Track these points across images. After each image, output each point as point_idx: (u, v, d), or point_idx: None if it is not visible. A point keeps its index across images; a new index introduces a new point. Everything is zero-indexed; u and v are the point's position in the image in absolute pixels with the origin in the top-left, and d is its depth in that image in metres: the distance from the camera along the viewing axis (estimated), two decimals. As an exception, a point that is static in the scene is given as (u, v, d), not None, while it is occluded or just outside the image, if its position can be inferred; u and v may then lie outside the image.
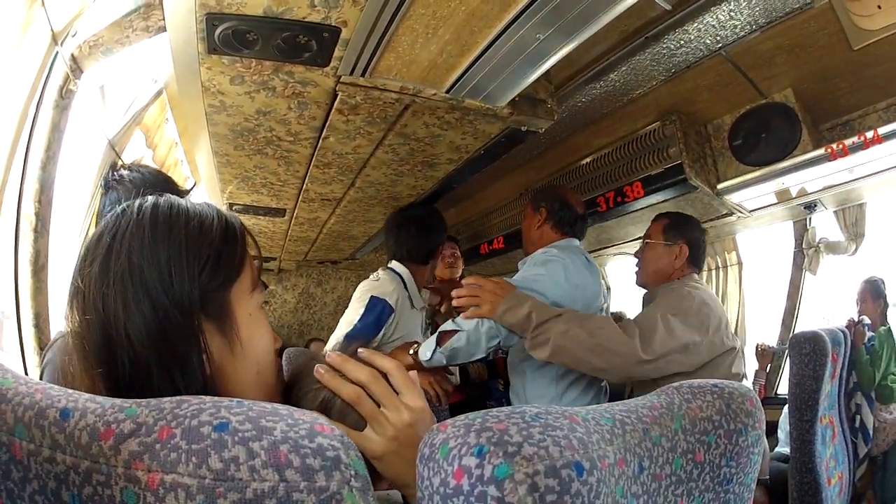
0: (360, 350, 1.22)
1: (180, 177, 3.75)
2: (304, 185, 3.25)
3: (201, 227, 1.01)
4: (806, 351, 2.70)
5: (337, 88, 2.09)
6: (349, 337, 2.98)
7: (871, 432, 3.75)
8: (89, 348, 0.95)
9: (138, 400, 0.73)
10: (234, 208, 3.70)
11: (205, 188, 3.58)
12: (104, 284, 0.94)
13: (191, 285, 0.96)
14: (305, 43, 1.82)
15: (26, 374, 2.24)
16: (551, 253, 2.80)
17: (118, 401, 0.73)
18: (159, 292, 0.94)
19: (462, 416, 0.77)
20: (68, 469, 0.68)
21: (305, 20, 1.72)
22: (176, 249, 0.97)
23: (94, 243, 0.99)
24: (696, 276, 2.94)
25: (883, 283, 4.49)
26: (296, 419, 0.70)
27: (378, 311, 3.07)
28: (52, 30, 2.30)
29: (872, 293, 4.47)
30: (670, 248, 2.87)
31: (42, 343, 2.51)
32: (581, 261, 2.81)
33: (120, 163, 2.55)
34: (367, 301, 3.07)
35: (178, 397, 0.72)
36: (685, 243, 2.86)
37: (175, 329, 0.94)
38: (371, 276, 3.27)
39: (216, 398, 0.72)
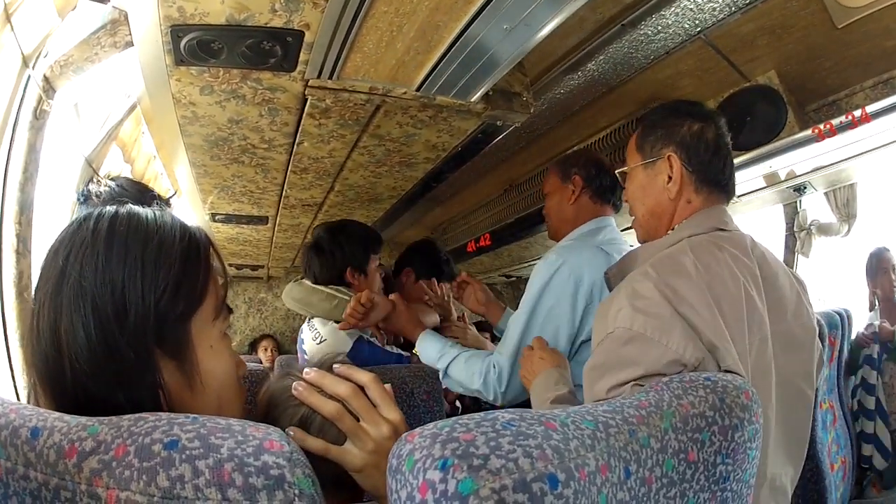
0: (335, 365, 1.22)
1: (161, 189, 3.74)
2: (284, 192, 3.25)
3: (161, 247, 0.95)
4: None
5: (306, 92, 2.07)
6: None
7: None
8: (44, 378, 0.90)
9: (101, 418, 0.72)
10: (216, 218, 3.74)
11: (186, 199, 3.57)
12: (54, 310, 0.89)
13: (146, 316, 0.90)
14: (270, 49, 1.80)
15: (17, 394, 2.24)
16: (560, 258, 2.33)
17: (83, 419, 0.73)
18: (111, 322, 0.88)
19: (431, 425, 0.76)
20: (40, 486, 0.68)
21: (268, 26, 1.71)
22: (132, 274, 0.91)
23: (48, 261, 0.93)
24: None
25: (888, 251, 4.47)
26: (246, 436, 0.69)
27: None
28: (22, 53, 2.28)
29: (886, 264, 4.44)
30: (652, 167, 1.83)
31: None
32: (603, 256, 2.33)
33: (95, 177, 2.53)
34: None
35: (137, 414, 0.72)
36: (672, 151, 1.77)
37: (129, 365, 0.89)
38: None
39: (174, 415, 0.72)
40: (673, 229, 1.75)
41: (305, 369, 1.21)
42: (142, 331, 0.90)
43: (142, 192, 1.98)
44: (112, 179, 2.03)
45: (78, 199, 1.97)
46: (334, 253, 2.89)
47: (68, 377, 0.87)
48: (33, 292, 0.95)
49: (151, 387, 0.91)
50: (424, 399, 2.48)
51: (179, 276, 0.95)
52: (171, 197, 2.20)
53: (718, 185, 1.76)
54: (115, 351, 0.88)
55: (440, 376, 2.39)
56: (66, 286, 0.89)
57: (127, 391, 0.88)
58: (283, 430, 0.78)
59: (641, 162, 1.84)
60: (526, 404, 2.09)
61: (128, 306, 0.89)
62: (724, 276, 1.51)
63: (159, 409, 0.90)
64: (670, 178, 1.75)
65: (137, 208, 1.00)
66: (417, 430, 0.75)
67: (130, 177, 3.59)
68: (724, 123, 1.80)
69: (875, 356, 3.62)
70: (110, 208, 0.98)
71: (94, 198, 1.93)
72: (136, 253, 0.92)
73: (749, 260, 1.61)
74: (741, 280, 1.52)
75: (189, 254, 0.99)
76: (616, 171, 2.03)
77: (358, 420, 1.15)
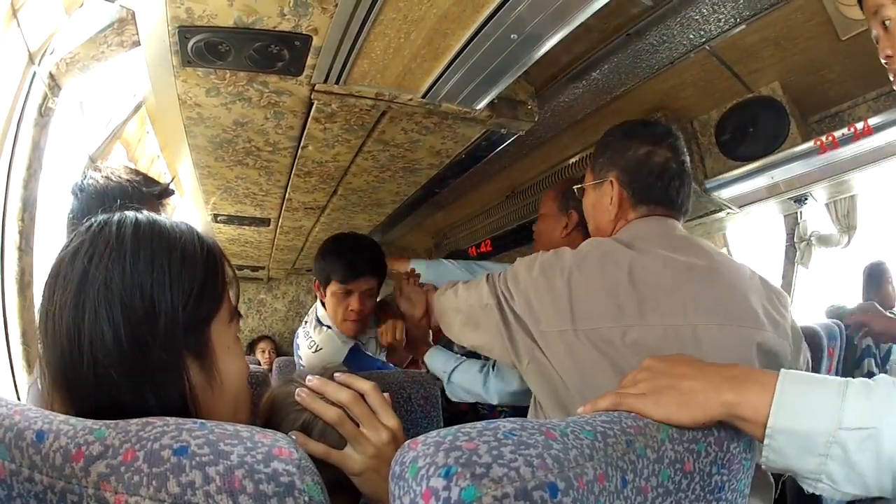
0: (336, 374, 1.27)
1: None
2: (287, 195, 3.25)
3: (184, 255, 0.98)
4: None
5: (312, 97, 2.07)
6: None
7: None
8: (60, 380, 0.91)
9: (108, 421, 0.73)
10: (218, 219, 3.74)
11: (189, 199, 3.57)
12: (77, 313, 0.89)
13: (175, 320, 0.93)
14: (278, 52, 1.80)
15: (17, 392, 2.23)
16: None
17: (90, 422, 0.73)
18: (142, 326, 0.90)
19: (434, 433, 0.76)
20: (45, 489, 0.68)
21: (276, 29, 1.71)
22: (160, 280, 0.93)
23: (66, 264, 0.94)
24: None
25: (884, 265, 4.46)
26: (255, 442, 0.70)
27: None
28: (28, 50, 2.29)
29: (884, 277, 4.43)
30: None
31: (30, 361, 2.49)
32: None
33: (90, 167, 2.52)
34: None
35: (144, 419, 0.72)
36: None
37: (160, 367, 0.91)
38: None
39: (181, 420, 0.72)
40: None
41: (308, 376, 1.26)
42: (172, 333, 0.92)
43: (135, 186, 1.98)
44: (109, 169, 2.03)
45: (72, 192, 1.97)
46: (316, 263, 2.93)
47: (90, 380, 0.88)
48: (43, 293, 0.95)
49: (181, 388, 0.93)
50: (422, 404, 2.51)
51: (202, 282, 0.99)
52: (170, 183, 2.20)
53: (662, 204, 1.84)
54: (147, 353, 0.89)
55: (445, 383, 2.41)
56: (91, 289, 0.90)
57: (157, 393, 0.90)
58: (286, 435, 0.79)
59: (591, 182, 1.98)
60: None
61: (157, 309, 0.91)
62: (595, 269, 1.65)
63: (186, 409, 0.93)
64: (612, 199, 1.87)
65: (156, 215, 1.02)
66: (420, 437, 0.76)
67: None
68: (679, 144, 1.87)
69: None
70: (130, 214, 1.00)
71: (80, 193, 1.93)
72: (162, 259, 0.94)
73: (652, 259, 1.66)
74: (616, 272, 1.62)
75: (209, 262, 1.03)
76: (575, 188, 2.15)
77: (358, 426, 1.19)
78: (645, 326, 1.56)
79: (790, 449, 0.89)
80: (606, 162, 1.92)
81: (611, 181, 1.86)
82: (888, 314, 2.82)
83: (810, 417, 0.86)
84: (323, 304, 2.97)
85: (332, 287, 2.81)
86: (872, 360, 3.48)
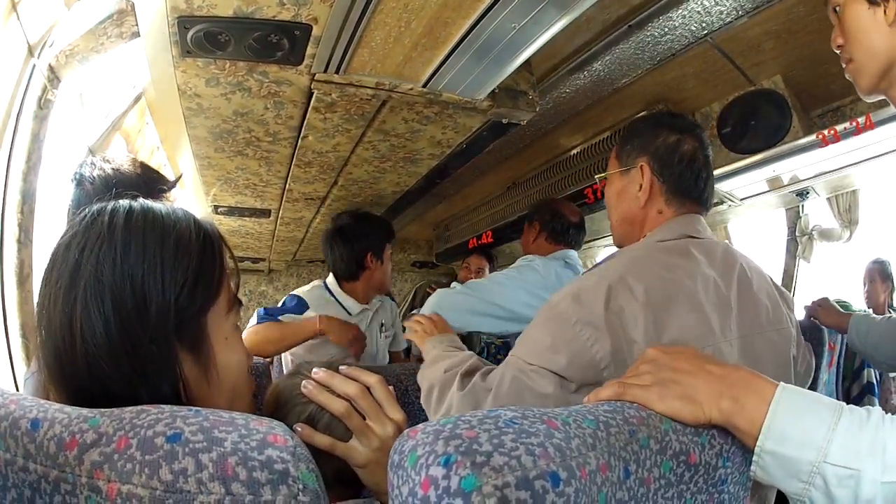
0: (341, 367, 1.28)
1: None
2: (287, 185, 3.26)
3: (178, 243, 0.95)
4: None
5: (312, 86, 2.07)
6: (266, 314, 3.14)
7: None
8: (56, 373, 0.90)
9: (102, 409, 0.72)
10: (219, 210, 3.74)
11: (189, 191, 3.57)
12: (69, 305, 0.88)
13: (166, 311, 0.91)
14: (277, 42, 1.79)
15: (16, 384, 2.23)
16: (527, 260, 2.84)
17: (85, 410, 0.72)
18: (131, 317, 0.88)
19: (434, 421, 0.75)
20: (40, 478, 0.68)
21: (276, 19, 1.70)
22: (151, 269, 0.91)
23: (60, 255, 0.92)
24: None
25: (889, 264, 4.46)
26: (250, 429, 0.69)
27: (291, 302, 3.27)
28: (27, 42, 2.28)
29: (881, 274, 4.44)
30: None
31: (29, 353, 2.49)
32: (554, 270, 2.78)
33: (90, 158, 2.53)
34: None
35: (139, 407, 0.71)
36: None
37: (150, 359, 0.89)
38: None
39: (176, 407, 0.71)
40: (645, 236, 1.78)
41: (314, 369, 1.26)
42: (162, 325, 0.91)
43: (137, 178, 1.98)
44: (114, 161, 2.02)
45: (72, 181, 1.97)
46: (359, 238, 3.25)
47: (84, 372, 0.87)
48: (40, 286, 0.94)
49: (172, 381, 0.92)
50: (419, 397, 2.52)
51: (197, 271, 0.96)
52: (177, 180, 2.19)
53: (691, 197, 1.80)
54: (136, 346, 0.88)
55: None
56: (82, 281, 0.88)
57: (148, 385, 0.89)
58: (291, 427, 0.78)
59: (618, 169, 1.89)
60: None
61: (148, 301, 0.90)
62: (681, 280, 1.56)
63: (179, 402, 0.89)
64: (642, 186, 1.80)
65: (151, 203, 1.00)
66: (420, 426, 0.75)
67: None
68: (705, 137, 1.85)
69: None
70: (124, 202, 0.98)
71: (87, 183, 1.92)
72: (154, 248, 0.92)
73: (711, 268, 1.63)
74: (698, 285, 1.56)
75: (205, 249, 1.00)
76: (596, 177, 2.14)
77: (364, 419, 1.20)
78: (726, 342, 1.55)
79: (776, 471, 0.91)
80: (635, 149, 1.85)
81: (640, 167, 1.80)
82: (841, 310, 2.82)
83: (798, 446, 0.88)
84: (342, 280, 3.37)
85: (388, 250, 3.33)
86: (872, 371, 3.47)
